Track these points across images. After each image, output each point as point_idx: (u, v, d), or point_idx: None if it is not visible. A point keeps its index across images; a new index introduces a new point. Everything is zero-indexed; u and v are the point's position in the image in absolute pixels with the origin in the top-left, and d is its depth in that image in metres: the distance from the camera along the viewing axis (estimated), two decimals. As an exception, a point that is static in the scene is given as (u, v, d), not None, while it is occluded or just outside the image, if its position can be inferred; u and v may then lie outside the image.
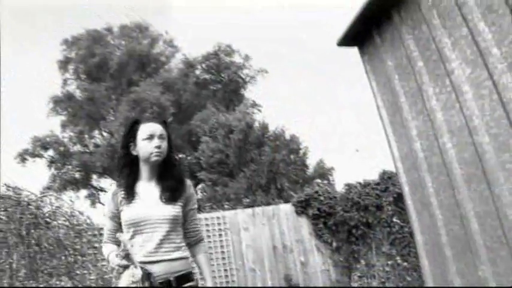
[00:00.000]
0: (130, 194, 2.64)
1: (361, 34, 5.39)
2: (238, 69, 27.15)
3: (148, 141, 2.63)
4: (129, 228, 2.58)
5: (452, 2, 4.16)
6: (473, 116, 4.08)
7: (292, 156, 18.17)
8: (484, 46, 3.85)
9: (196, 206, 2.86)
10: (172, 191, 2.66)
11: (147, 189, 2.68)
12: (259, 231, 11.09)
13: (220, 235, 10.81)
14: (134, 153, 2.71)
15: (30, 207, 6.32)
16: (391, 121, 5.25)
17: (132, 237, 2.54)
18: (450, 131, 4.39)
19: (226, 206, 15.20)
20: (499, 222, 3.94)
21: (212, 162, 17.87)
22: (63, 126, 27.29)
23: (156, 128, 2.68)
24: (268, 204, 13.62)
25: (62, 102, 27.07)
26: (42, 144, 25.48)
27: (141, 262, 2.42)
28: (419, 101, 4.74)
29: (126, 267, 2.38)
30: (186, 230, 2.78)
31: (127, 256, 2.34)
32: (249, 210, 11.48)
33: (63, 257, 6.47)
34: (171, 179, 2.70)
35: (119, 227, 2.66)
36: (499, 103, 3.79)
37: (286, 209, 11.57)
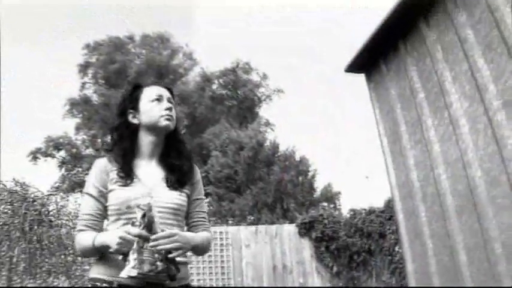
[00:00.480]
0: (127, 172, 2.06)
1: (368, 62, 5.54)
2: (255, 88, 27.47)
3: (157, 103, 2.14)
4: (120, 215, 1.98)
5: (456, 38, 4.30)
6: (468, 149, 4.18)
7: (300, 178, 18.25)
8: (482, 82, 3.97)
9: (203, 196, 2.30)
10: (179, 173, 2.13)
11: (147, 168, 2.13)
12: (261, 250, 11.13)
13: (222, 250, 10.88)
14: (135, 121, 2.16)
15: (35, 204, 6.47)
16: (391, 149, 5.36)
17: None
18: (446, 162, 4.49)
19: (230, 222, 15.31)
20: (486, 255, 4.00)
21: (220, 177, 18.02)
22: (78, 128, 27.70)
23: (164, 90, 2.20)
24: (272, 223, 13.70)
25: (79, 105, 27.51)
26: (55, 145, 25.87)
27: None
28: (419, 131, 4.85)
29: (146, 240, 1.74)
30: (190, 224, 2.22)
31: (150, 225, 1.77)
32: (252, 228, 11.55)
33: (62, 256, 6.58)
34: (178, 158, 2.17)
35: (104, 211, 2.06)
36: (493, 139, 3.89)
37: (289, 229, 11.63)
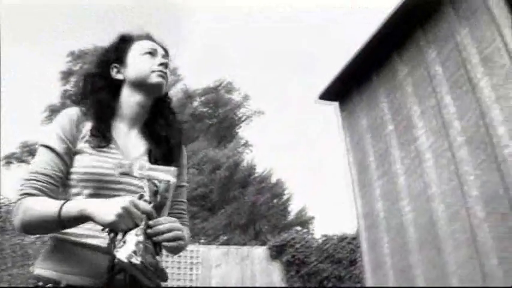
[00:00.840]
0: (103, 131, 1.56)
1: (341, 91, 5.64)
2: (236, 108, 27.57)
3: (149, 57, 1.69)
4: (85, 187, 1.46)
5: (426, 73, 4.41)
6: (432, 183, 4.26)
7: (274, 201, 18.30)
8: (448, 118, 4.08)
9: (186, 183, 1.84)
10: (166, 147, 1.68)
11: (128, 135, 1.65)
12: (231, 271, 11.04)
13: (191, 268, 10.77)
14: (118, 76, 1.69)
15: (1, 210, 6.34)
16: (358, 178, 5.43)
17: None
18: (410, 195, 4.57)
19: (202, 241, 15.20)
20: (444, 289, 4.06)
21: (195, 195, 17.92)
22: (56, 136, 27.36)
23: (159, 47, 1.76)
24: (244, 244, 13.64)
25: (59, 112, 27.23)
26: (30, 151, 25.49)
27: (100, 249, 1.37)
28: (386, 162, 4.93)
29: (150, 218, 1.29)
30: (169, 215, 1.57)
31: (160, 209, 1.34)
32: (224, 248, 11.47)
33: (25, 266, 6.43)
34: (166, 129, 1.72)
35: (66, 176, 1.48)
36: (455, 174, 3.98)
37: (260, 251, 11.56)
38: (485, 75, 3.75)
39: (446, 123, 4.10)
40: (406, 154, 4.63)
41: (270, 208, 17.68)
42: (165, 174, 1.37)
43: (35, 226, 1.37)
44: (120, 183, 1.45)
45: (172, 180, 1.36)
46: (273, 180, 18.88)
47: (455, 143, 3.97)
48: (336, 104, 5.97)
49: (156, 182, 1.34)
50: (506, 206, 3.56)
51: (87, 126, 1.53)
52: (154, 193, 1.32)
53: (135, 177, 1.35)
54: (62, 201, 1.31)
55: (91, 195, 1.43)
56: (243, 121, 27.65)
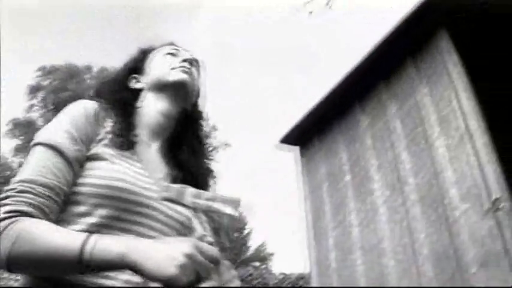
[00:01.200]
0: (127, 133, 1.14)
1: (303, 137, 5.66)
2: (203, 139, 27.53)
3: (171, 57, 1.34)
4: (100, 206, 0.98)
5: (385, 127, 4.47)
6: (384, 238, 4.27)
7: (232, 237, 18.13)
8: (403, 174, 4.12)
9: None
10: (191, 177, 1.23)
11: (149, 148, 1.22)
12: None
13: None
14: (138, 85, 1.33)
15: None
16: (313, 226, 5.41)
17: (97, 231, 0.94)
18: (362, 248, 4.56)
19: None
20: None
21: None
22: (17, 150, 26.73)
23: (183, 50, 1.41)
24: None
25: (22, 126, 26.68)
26: (-7, 163, 24.82)
27: None
28: (341, 213, 4.93)
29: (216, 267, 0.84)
30: None
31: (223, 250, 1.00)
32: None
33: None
34: (192, 156, 1.31)
35: (69, 190, 0.99)
36: (407, 231, 3.99)
37: (216, 287, 11.37)
38: (442, 135, 3.82)
39: (401, 179, 4.14)
40: (362, 206, 4.65)
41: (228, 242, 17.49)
42: (227, 207, 0.98)
43: (33, 264, 0.87)
44: (155, 209, 1.03)
45: (234, 214, 0.98)
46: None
47: (409, 200, 4.01)
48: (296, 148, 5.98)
49: (215, 216, 1.04)
50: (454, 268, 3.58)
51: (107, 125, 1.13)
52: (215, 231, 1.04)
53: (183, 205, 0.98)
54: (86, 234, 0.84)
55: (107, 218, 0.98)
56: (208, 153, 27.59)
